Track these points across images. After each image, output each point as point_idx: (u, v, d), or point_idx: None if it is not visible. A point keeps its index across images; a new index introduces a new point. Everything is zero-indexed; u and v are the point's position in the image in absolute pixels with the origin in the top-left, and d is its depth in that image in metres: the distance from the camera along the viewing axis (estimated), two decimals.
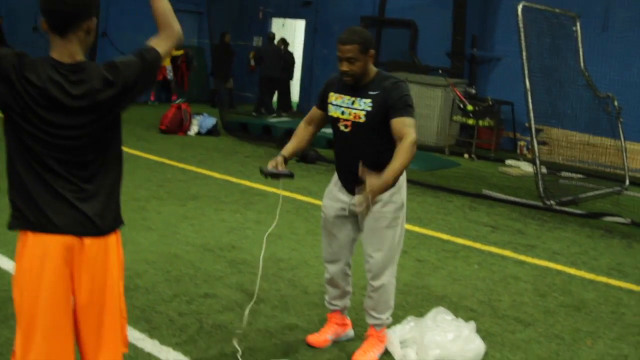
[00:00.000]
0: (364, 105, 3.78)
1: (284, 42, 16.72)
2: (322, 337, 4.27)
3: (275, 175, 3.86)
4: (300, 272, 5.52)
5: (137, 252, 5.68)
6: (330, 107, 3.94)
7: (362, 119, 3.79)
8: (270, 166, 3.88)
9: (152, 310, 4.53)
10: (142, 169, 9.16)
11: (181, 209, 7.21)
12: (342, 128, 3.88)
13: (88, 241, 2.59)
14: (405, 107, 3.71)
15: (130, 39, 16.33)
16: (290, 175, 3.89)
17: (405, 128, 3.63)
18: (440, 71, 13.98)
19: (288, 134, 12.00)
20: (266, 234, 4.05)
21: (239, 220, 6.96)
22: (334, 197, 4.06)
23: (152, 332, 4.22)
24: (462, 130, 13.71)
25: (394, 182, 3.53)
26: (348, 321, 4.40)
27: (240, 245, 6.13)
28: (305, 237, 6.45)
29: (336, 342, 4.30)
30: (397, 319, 4.48)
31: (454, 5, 14.33)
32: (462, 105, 12.71)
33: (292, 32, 18.09)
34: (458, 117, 12.94)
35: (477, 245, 6.80)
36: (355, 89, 3.83)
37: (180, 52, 16.55)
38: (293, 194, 8.01)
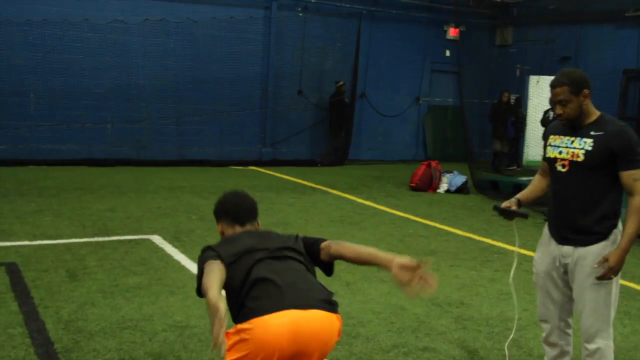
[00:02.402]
0: (584, 144, 3.67)
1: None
2: None
3: (509, 214, 3.89)
4: (528, 333, 5.25)
5: (366, 302, 5.83)
6: (549, 149, 3.87)
7: (581, 158, 3.67)
8: (503, 206, 3.91)
9: (368, 359, 4.60)
10: (386, 224, 9.39)
11: None
12: (559, 168, 3.78)
13: None
14: (635, 158, 3.57)
15: (388, 99, 17.07)
16: (524, 216, 3.92)
17: (636, 183, 3.54)
18: None
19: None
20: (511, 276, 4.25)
21: (472, 278, 6.83)
22: (545, 249, 3.92)
23: None
24: None
25: (629, 248, 3.52)
26: None
27: (470, 302, 6.00)
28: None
29: None
30: None
31: None
32: None
33: (547, 89, 17.50)
34: None
35: None
36: (575, 129, 3.74)
37: None
38: (533, 253, 7.65)
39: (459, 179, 12.80)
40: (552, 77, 13.81)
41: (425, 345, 4.91)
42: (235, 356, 2.78)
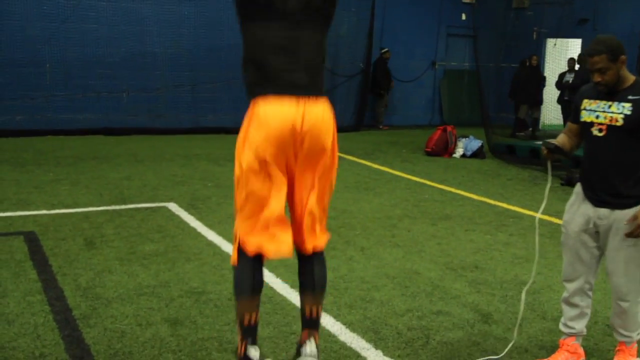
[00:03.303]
0: (622, 109, 3.70)
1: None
2: None
3: (555, 151, 3.90)
4: (542, 296, 5.26)
5: (380, 266, 5.86)
6: (584, 113, 3.88)
7: (620, 122, 3.69)
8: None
9: (382, 323, 4.64)
10: (402, 189, 9.39)
11: (431, 228, 7.27)
12: (595, 132, 3.79)
13: None
14: None
15: (403, 64, 16.93)
16: (568, 156, 4.01)
17: None
18: None
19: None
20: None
21: (487, 242, 6.83)
22: (577, 210, 3.95)
23: (377, 342, 4.32)
24: None
25: None
26: (581, 352, 4.14)
27: (484, 266, 6.02)
28: (554, 261, 6.13)
29: None
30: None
31: None
32: None
33: (564, 52, 17.27)
34: None
35: None
36: (612, 94, 3.76)
37: None
38: (550, 217, 7.66)
39: (474, 144, 12.75)
40: (569, 40, 13.61)
41: (439, 309, 4.94)
42: None
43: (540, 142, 13.25)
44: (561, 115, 15.65)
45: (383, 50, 16.58)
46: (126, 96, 14.13)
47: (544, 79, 16.24)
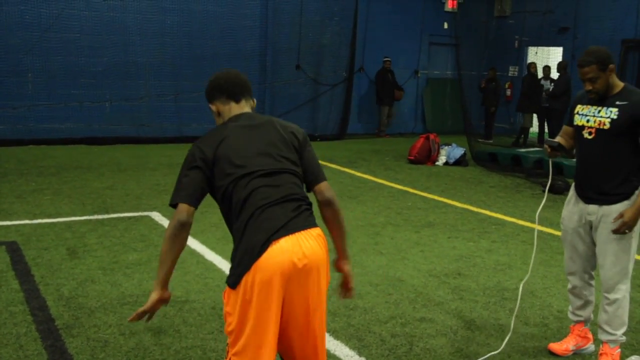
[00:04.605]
0: (610, 113, 3.99)
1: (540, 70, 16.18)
2: (564, 346, 4.39)
3: (558, 149, 4.24)
4: (524, 303, 5.30)
5: (364, 274, 5.88)
6: (576, 117, 4.18)
7: (607, 126, 3.98)
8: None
9: (366, 330, 4.66)
10: (385, 197, 9.42)
11: (414, 236, 7.30)
12: (585, 135, 4.10)
13: None
14: None
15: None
16: (569, 153, 4.31)
17: None
18: None
19: (538, 164, 11.66)
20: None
21: (470, 249, 6.88)
22: (572, 208, 4.23)
23: (361, 350, 4.34)
24: None
25: None
26: (590, 335, 4.46)
27: (467, 273, 6.06)
28: (536, 267, 6.18)
29: (575, 354, 4.40)
30: (623, 359, 4.16)
31: None
32: None
33: (545, 60, 17.42)
34: None
35: None
36: (602, 99, 4.05)
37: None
38: (531, 224, 7.72)
39: (457, 151, 12.82)
40: (550, 48, 13.70)
41: (422, 316, 4.97)
42: None
43: (524, 150, 13.32)
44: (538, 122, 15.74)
45: (384, 60, 16.74)
46: (109, 106, 14.08)
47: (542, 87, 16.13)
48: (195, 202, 2.84)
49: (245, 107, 3.09)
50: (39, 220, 7.26)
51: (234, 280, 2.74)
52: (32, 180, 9.46)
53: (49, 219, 7.34)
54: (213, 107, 3.13)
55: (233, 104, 3.08)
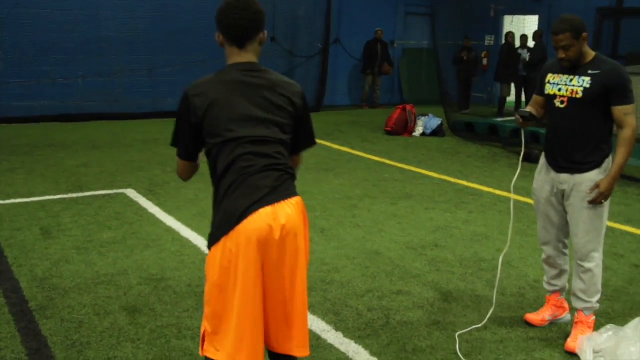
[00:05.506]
0: (582, 82, 3.97)
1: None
2: (540, 316, 4.43)
3: (530, 119, 4.19)
4: (501, 273, 5.31)
5: (340, 247, 5.87)
6: (548, 86, 4.15)
7: (579, 95, 3.97)
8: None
9: (342, 304, 4.66)
10: (362, 169, 9.40)
11: (391, 208, 7.30)
12: (557, 104, 4.09)
13: None
14: (627, 95, 3.91)
15: (362, 44, 16.90)
16: (540, 121, 4.29)
17: (627, 117, 3.91)
18: None
19: (515, 133, 11.68)
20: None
21: (447, 220, 6.89)
22: (543, 178, 4.24)
23: (338, 324, 4.33)
24: None
25: (618, 176, 3.93)
26: (566, 305, 4.49)
27: (444, 244, 6.07)
28: (513, 237, 6.19)
29: (552, 324, 4.44)
30: (598, 327, 4.19)
31: None
32: None
33: (521, 29, 17.38)
34: None
35: None
36: (574, 68, 4.03)
37: None
38: (509, 194, 7.74)
39: (434, 122, 12.80)
40: (526, 17, 13.72)
41: (399, 289, 4.97)
42: None
43: (500, 119, 13.31)
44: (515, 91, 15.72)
45: (376, 30, 16.74)
46: (82, 82, 13.86)
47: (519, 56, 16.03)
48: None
49: (249, 53, 2.86)
50: (12, 200, 7.16)
51: (212, 242, 2.74)
52: (4, 160, 9.31)
53: (22, 199, 7.23)
54: (218, 38, 2.93)
55: (235, 49, 2.85)
